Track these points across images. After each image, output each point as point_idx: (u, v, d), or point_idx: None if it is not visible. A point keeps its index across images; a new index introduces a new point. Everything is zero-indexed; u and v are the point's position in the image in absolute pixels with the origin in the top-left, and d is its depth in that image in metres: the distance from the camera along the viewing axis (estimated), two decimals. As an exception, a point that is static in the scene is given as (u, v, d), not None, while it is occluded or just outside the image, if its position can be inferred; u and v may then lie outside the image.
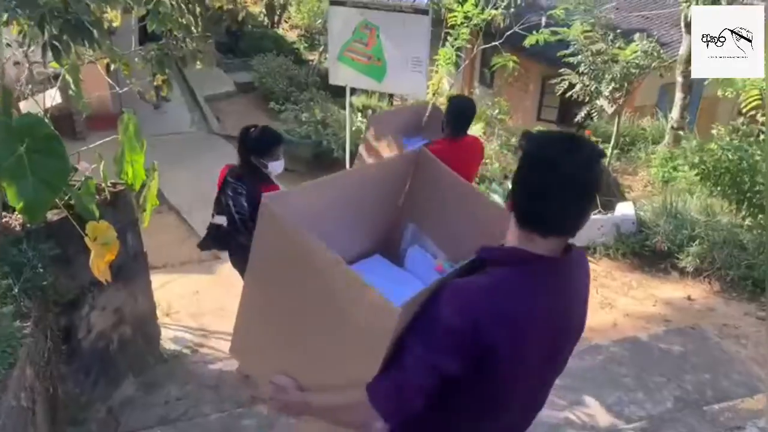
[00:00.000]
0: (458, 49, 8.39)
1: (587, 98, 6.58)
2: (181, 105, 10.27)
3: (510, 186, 1.42)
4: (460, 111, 4.03)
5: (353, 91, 8.30)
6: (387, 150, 4.99)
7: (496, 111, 9.11)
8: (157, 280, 4.79)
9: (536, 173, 1.32)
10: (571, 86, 6.76)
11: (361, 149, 5.51)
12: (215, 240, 3.82)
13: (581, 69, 6.41)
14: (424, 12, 6.41)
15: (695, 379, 3.96)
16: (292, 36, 14.11)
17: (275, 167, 3.59)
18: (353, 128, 7.55)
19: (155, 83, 4.56)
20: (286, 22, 14.97)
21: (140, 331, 4.07)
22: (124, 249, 3.32)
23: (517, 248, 1.38)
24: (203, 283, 5.72)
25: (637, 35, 6.99)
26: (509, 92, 13.76)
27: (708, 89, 9.67)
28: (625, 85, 6.31)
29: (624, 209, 6.00)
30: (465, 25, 8.31)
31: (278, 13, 14.67)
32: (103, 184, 3.51)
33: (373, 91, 9.42)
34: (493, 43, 8.16)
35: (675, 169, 8.18)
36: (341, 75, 7.10)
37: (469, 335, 1.27)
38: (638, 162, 8.67)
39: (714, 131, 6.70)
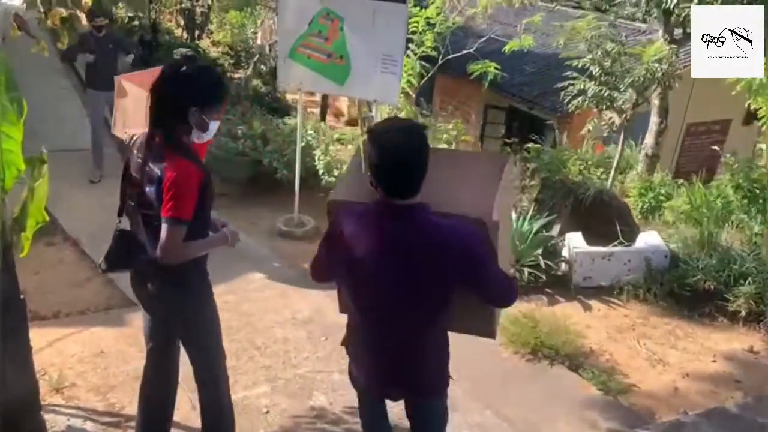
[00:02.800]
0: (423, 58, 7.39)
1: (598, 108, 5.63)
2: (82, 118, 8.51)
3: None
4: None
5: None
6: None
7: (455, 133, 8.10)
8: (44, 336, 3.90)
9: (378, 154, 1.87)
10: (580, 93, 5.80)
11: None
12: (122, 255, 2.47)
13: (594, 72, 5.47)
14: (400, 0, 5.30)
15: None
16: (214, 52, 12.68)
17: (209, 131, 2.34)
18: (303, 143, 6.22)
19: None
20: (208, 37, 13.53)
21: (11, 422, 2.50)
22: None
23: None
24: (110, 340, 4.15)
25: (659, 33, 6.20)
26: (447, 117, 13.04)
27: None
28: (643, 92, 5.43)
29: (650, 240, 5.03)
30: (428, 31, 7.38)
31: (198, 25, 13.24)
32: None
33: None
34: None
35: (656, 199, 7.46)
36: (293, 75, 5.82)
37: None
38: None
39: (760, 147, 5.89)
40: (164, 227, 2.15)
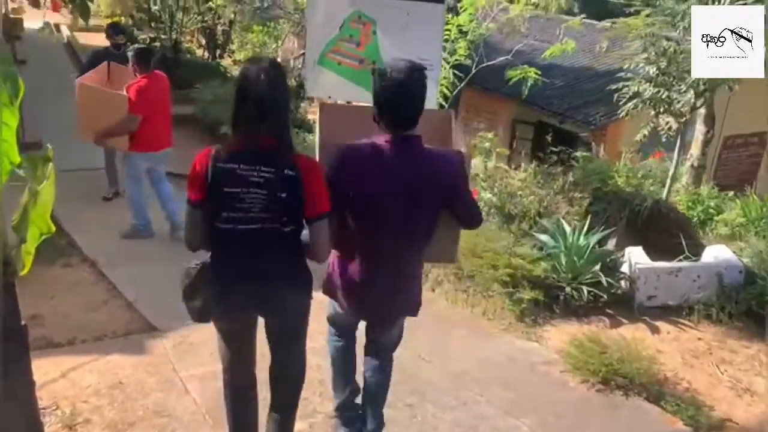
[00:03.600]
0: (455, 67, 7.02)
1: (655, 111, 5.17)
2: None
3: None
4: None
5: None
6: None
7: (487, 144, 7.67)
8: (57, 365, 3.59)
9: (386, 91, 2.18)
10: (635, 96, 5.35)
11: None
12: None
13: (651, 72, 5.03)
14: (437, 0, 4.94)
15: None
16: (235, 70, 12.47)
17: None
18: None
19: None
20: (229, 56, 13.36)
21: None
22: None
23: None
24: (129, 369, 3.76)
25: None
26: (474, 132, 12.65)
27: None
28: (703, 93, 4.98)
29: (720, 254, 4.54)
30: (461, 39, 7.02)
31: (220, 45, 13.09)
32: None
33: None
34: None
35: (705, 212, 6.97)
36: (322, 83, 5.45)
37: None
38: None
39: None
40: (318, 225, 2.17)
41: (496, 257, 4.36)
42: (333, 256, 2.42)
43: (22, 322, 2.04)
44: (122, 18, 16.91)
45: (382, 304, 2.45)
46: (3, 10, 13.11)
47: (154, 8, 13.05)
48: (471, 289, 4.61)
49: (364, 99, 5.60)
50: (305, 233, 2.23)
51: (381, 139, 2.20)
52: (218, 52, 13.12)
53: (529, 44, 9.46)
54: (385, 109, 2.16)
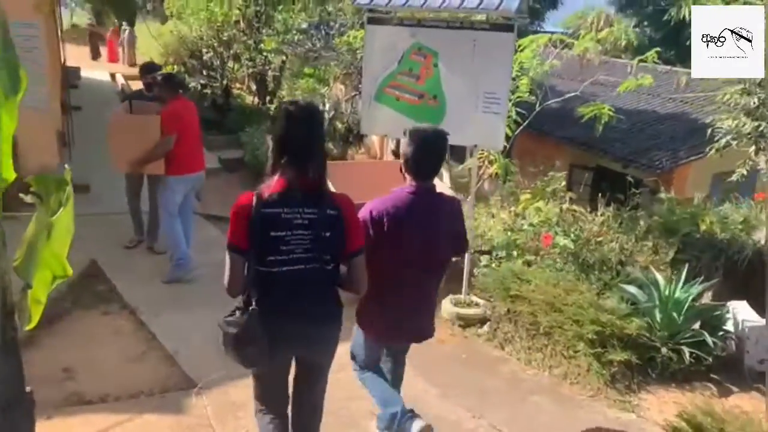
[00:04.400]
0: (516, 104, 6.59)
1: (756, 147, 4.57)
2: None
3: None
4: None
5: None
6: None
7: (551, 188, 7.14)
8: (88, 425, 3.38)
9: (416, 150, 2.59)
10: (730, 132, 4.75)
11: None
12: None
13: (750, 104, 4.46)
14: (507, 28, 4.55)
15: None
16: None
17: None
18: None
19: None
20: (279, 102, 13.31)
21: None
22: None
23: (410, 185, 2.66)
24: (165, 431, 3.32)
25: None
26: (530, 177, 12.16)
27: None
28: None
29: None
30: (523, 76, 6.61)
31: (270, 91, 13.07)
32: None
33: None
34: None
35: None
36: (379, 120, 5.11)
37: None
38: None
39: None
40: (358, 260, 2.27)
41: (580, 311, 3.79)
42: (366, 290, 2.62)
43: (28, 388, 1.63)
44: (174, 66, 17.31)
45: (405, 331, 2.84)
46: (62, 60, 13.51)
47: (206, 56, 13.18)
48: (549, 348, 4.04)
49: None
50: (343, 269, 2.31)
51: (413, 188, 2.62)
52: (268, 98, 13.09)
53: (597, 81, 9.03)
54: (416, 165, 2.60)
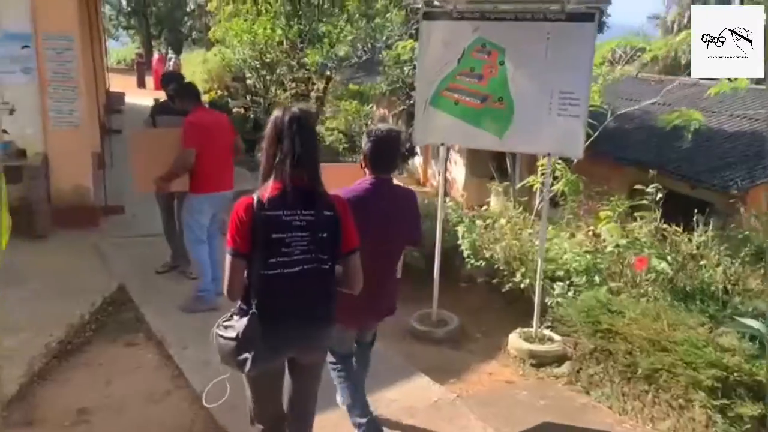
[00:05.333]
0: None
1: None
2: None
3: None
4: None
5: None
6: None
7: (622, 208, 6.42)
8: None
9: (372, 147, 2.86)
10: None
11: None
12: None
13: None
14: (586, 17, 3.92)
15: None
16: (329, 137, 11.99)
17: None
18: (445, 217, 4.80)
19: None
20: (322, 123, 12.95)
21: None
22: None
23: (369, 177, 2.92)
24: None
25: None
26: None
27: None
28: None
29: None
30: (592, 84, 5.95)
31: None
32: None
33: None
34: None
35: None
36: (435, 128, 4.51)
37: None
38: None
39: None
40: (353, 259, 2.33)
41: (694, 351, 3.04)
42: None
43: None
44: (218, 91, 17.25)
45: (374, 312, 3.07)
46: (106, 86, 13.53)
47: (249, 81, 12.97)
48: (650, 396, 3.29)
49: (486, 143, 4.56)
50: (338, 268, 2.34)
51: (375, 180, 2.87)
52: (311, 120, 12.78)
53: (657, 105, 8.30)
54: (376, 160, 2.87)
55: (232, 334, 2.19)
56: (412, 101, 11.13)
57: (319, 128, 12.65)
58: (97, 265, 5.55)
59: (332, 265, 2.28)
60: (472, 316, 5.05)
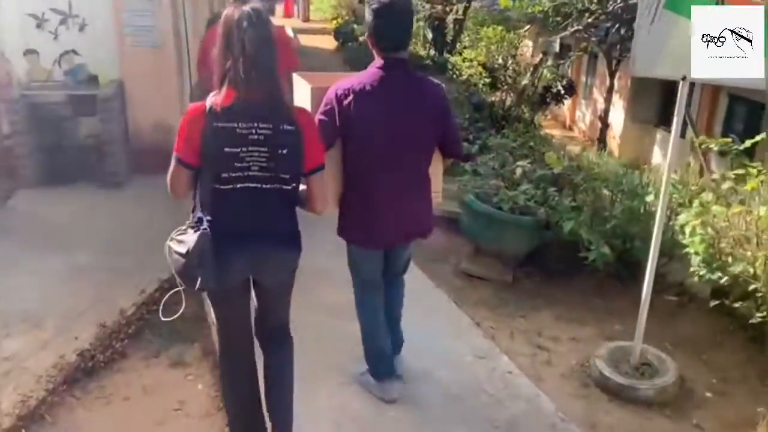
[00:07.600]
0: None
1: None
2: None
3: None
4: None
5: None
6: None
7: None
8: None
9: (377, 18, 2.32)
10: None
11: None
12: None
13: None
14: None
15: None
16: (466, 69, 10.09)
17: None
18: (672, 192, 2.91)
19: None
20: (460, 54, 11.02)
21: None
22: None
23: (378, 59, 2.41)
24: None
25: None
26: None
27: None
28: None
29: None
30: None
31: (449, 41, 10.82)
32: None
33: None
34: None
35: None
36: (672, 50, 2.57)
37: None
38: None
39: None
40: (316, 177, 2.10)
41: None
42: (340, 199, 2.49)
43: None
44: (346, 16, 15.73)
45: (398, 227, 2.52)
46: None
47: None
48: None
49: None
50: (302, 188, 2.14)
51: (375, 64, 2.38)
52: (446, 48, 10.83)
53: None
54: (386, 34, 2.34)
55: (183, 249, 1.98)
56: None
57: (455, 59, 10.71)
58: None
59: (296, 186, 2.06)
60: (693, 356, 3.18)
